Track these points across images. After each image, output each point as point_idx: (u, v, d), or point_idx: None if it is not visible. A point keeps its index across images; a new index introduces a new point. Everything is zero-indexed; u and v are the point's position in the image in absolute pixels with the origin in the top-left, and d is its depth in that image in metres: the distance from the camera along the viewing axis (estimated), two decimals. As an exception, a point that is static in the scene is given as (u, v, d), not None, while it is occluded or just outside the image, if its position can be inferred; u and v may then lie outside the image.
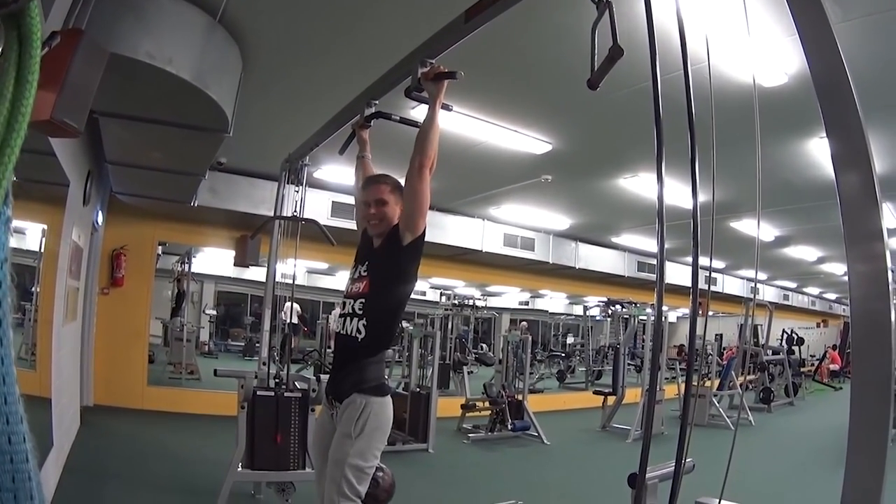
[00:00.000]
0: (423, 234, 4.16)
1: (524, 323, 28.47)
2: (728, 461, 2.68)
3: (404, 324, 14.51)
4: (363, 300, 4.18)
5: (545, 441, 11.98)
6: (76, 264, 8.17)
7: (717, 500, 3.06)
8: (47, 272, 6.76)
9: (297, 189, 7.24)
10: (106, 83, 1.88)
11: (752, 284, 22.75)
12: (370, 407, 4.06)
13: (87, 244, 9.34)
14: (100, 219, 10.72)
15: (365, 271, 4.30)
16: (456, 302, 20.00)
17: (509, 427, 12.13)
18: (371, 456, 4.05)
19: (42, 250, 6.59)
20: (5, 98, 0.99)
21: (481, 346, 23.05)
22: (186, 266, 17.76)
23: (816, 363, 27.17)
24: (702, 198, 2.48)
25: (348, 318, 4.23)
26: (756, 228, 5.46)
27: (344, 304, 4.34)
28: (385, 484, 4.66)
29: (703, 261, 2.57)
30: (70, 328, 8.32)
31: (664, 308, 3.03)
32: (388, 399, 4.22)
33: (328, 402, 4.36)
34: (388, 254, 4.22)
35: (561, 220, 14.32)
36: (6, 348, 0.97)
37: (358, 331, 4.14)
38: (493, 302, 26.50)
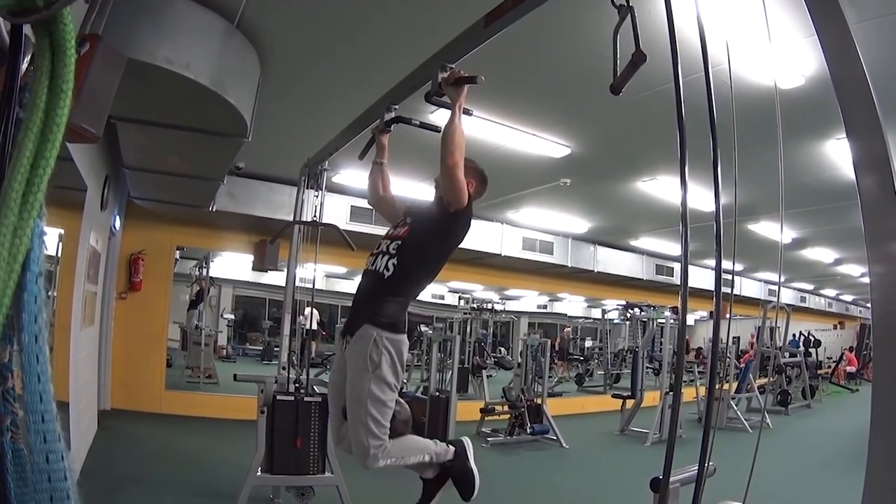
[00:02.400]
0: (469, 206, 4.30)
1: (568, 329, 28.50)
2: (752, 465, 2.66)
3: (423, 328, 14.48)
4: (399, 242, 4.22)
5: (564, 445, 11.92)
6: (94, 269, 8.19)
7: (741, 505, 3.04)
8: (65, 277, 6.78)
9: (316, 194, 7.23)
10: (124, 88, 1.87)
11: (770, 287, 22.62)
12: (382, 340, 4.06)
13: (104, 249, 9.37)
14: (117, 223, 10.74)
15: (409, 220, 4.38)
16: (475, 306, 19.98)
17: (528, 431, 12.08)
18: (388, 388, 4.06)
19: (59, 255, 6.60)
20: (38, 108, 0.98)
21: (500, 350, 22.98)
22: (205, 270, 17.76)
23: (833, 365, 27.03)
24: (721, 200, 2.47)
25: (379, 257, 4.26)
26: (774, 231, 5.47)
27: (379, 244, 4.37)
28: (403, 416, 4.62)
29: (724, 264, 2.55)
30: (88, 332, 8.34)
31: (683, 311, 3.02)
32: (404, 337, 4.21)
33: (341, 340, 4.37)
34: (435, 210, 4.30)
35: (579, 224, 14.30)
36: (43, 365, 0.96)
37: (386, 268, 4.16)
38: (512, 305, 26.49)
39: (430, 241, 4.23)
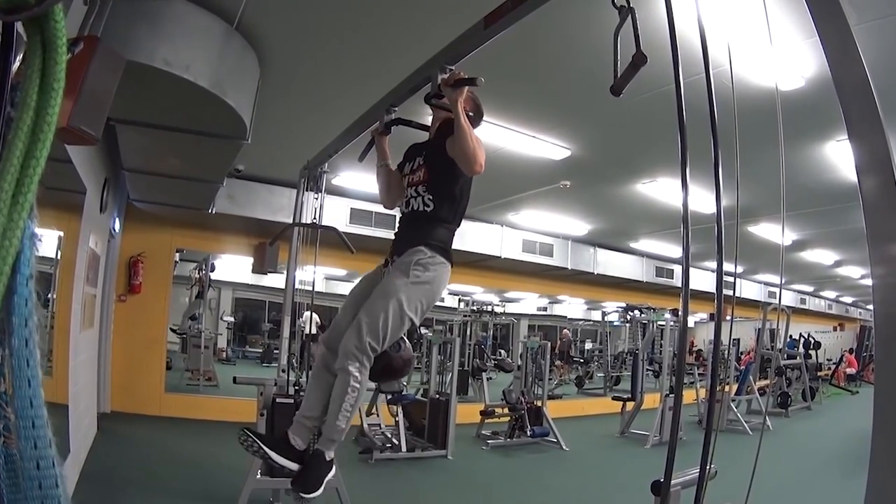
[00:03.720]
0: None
1: (567, 331, 28.48)
2: (753, 467, 2.65)
3: (423, 330, 14.49)
4: (426, 184, 4.16)
5: (564, 447, 11.95)
6: (93, 271, 8.18)
7: (743, 508, 3.04)
8: (64, 279, 6.77)
9: (315, 196, 7.22)
10: (122, 90, 1.87)
11: (770, 289, 22.63)
12: (434, 259, 3.99)
13: (104, 251, 9.36)
14: (117, 226, 10.74)
15: (422, 161, 4.28)
16: (475, 308, 19.99)
17: (528, 433, 12.09)
18: (415, 307, 3.95)
19: (58, 257, 6.59)
20: (29, 107, 0.97)
21: (500, 353, 22.98)
22: (205, 272, 17.75)
23: (833, 367, 27.04)
24: (722, 202, 2.46)
25: (414, 199, 4.19)
26: (774, 232, 5.46)
27: (407, 192, 4.29)
28: (406, 353, 4.52)
29: (725, 266, 2.55)
30: (87, 335, 8.33)
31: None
32: (449, 267, 4.12)
33: (384, 264, 4.27)
34: (448, 164, 4.11)
35: (579, 226, 14.32)
36: (34, 370, 0.95)
37: (426, 204, 4.10)
38: (512, 308, 26.47)
39: (452, 171, 4.14)
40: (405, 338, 4.30)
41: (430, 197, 4.10)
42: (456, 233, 4.20)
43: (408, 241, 4.10)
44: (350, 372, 3.83)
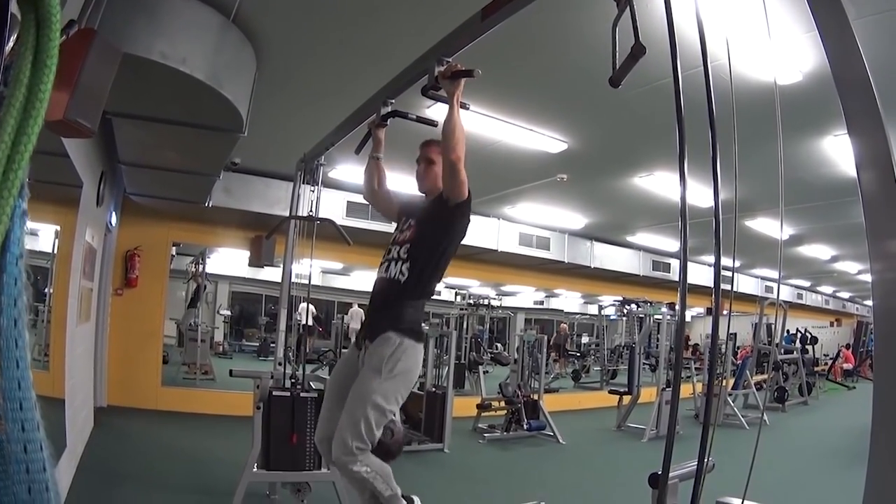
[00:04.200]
0: (469, 197, 4.25)
1: (564, 325, 28.51)
2: (752, 461, 2.65)
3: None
4: (409, 245, 4.24)
5: (561, 441, 11.95)
6: (90, 265, 8.17)
7: (741, 501, 3.04)
8: (60, 273, 6.75)
9: (312, 189, 7.21)
10: (119, 83, 1.86)
11: (767, 284, 22.67)
12: (404, 347, 4.06)
13: (100, 245, 9.35)
14: (113, 220, 10.74)
15: (414, 221, 4.38)
16: (471, 302, 20.02)
17: (525, 427, 12.10)
18: (394, 400, 4.04)
19: (55, 251, 6.58)
20: (21, 83, 0.96)
21: (496, 346, 22.99)
22: (201, 266, 17.74)
23: (830, 362, 27.06)
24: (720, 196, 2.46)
25: (392, 263, 4.27)
26: (771, 227, 5.46)
27: (389, 250, 4.38)
28: (398, 435, 4.62)
29: (723, 260, 2.55)
30: (84, 329, 8.32)
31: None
32: (421, 346, 4.22)
33: (356, 345, 4.36)
34: (436, 208, 4.29)
35: (576, 219, 14.33)
36: (22, 350, 0.94)
37: (401, 273, 4.17)
38: (508, 301, 26.52)
39: (437, 239, 4.24)
40: (394, 418, 4.36)
41: (408, 265, 4.20)
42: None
43: (378, 322, 4.24)
44: (355, 471, 3.98)
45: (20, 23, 0.99)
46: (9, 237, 0.92)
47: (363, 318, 4.63)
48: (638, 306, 18.26)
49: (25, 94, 0.96)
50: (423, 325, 4.36)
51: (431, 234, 4.24)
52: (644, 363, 16.81)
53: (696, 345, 24.13)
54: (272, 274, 16.73)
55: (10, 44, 1.01)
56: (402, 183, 7.42)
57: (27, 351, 0.95)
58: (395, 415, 4.21)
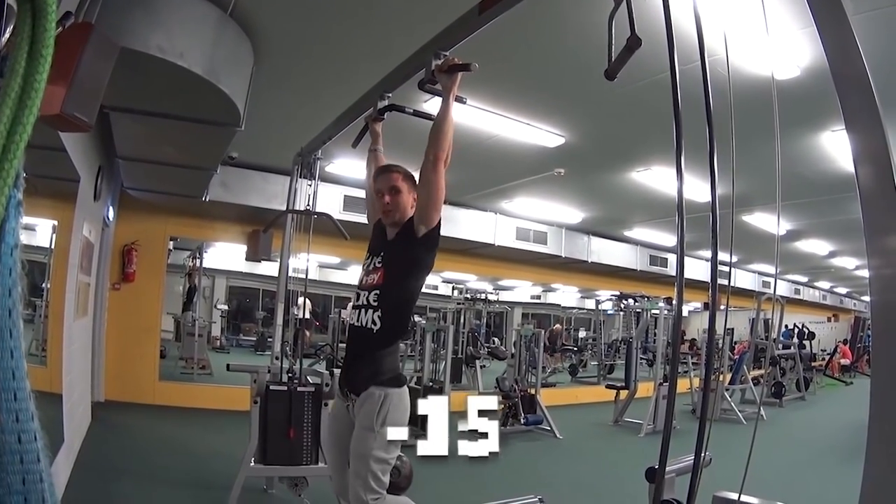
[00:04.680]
0: (439, 226, 4.15)
1: (558, 326, 28.50)
2: (748, 455, 2.65)
3: (417, 318, 14.52)
4: (378, 291, 4.17)
5: (558, 435, 11.95)
6: (87, 260, 8.16)
7: (737, 495, 3.04)
8: (58, 268, 6.75)
9: (309, 183, 7.22)
10: (116, 77, 1.85)
11: (764, 279, 22.69)
12: (389, 399, 4.06)
13: (97, 240, 9.34)
14: (111, 214, 10.72)
15: (380, 262, 4.28)
16: (468, 296, 20.01)
17: (522, 421, 12.09)
18: (393, 448, 4.07)
19: (52, 246, 6.58)
20: (17, 73, 0.96)
21: (493, 340, 22.99)
22: (198, 261, 17.74)
23: (827, 358, 27.08)
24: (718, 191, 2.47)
25: (363, 310, 4.21)
26: (768, 222, 5.47)
27: (358, 295, 4.33)
28: (405, 471, 4.69)
29: (720, 255, 2.55)
30: (81, 324, 8.32)
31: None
32: (406, 389, 4.21)
33: (342, 394, 4.35)
34: (403, 245, 4.21)
35: (573, 214, 14.31)
36: (16, 340, 0.93)
37: (373, 322, 4.12)
38: (505, 296, 26.49)
39: (405, 281, 4.22)
40: (400, 456, 4.43)
41: (379, 313, 4.16)
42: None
43: (357, 374, 4.25)
44: None
45: (16, 13, 0.99)
46: (3, 227, 0.92)
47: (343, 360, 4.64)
48: (635, 301, 18.26)
49: (21, 83, 0.96)
50: (399, 369, 4.38)
51: (399, 276, 4.21)
52: (641, 358, 16.78)
53: (694, 340, 24.13)
54: (269, 268, 16.75)
55: (7, 35, 1.01)
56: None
57: (21, 341, 0.94)
58: (399, 453, 4.25)
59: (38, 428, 0.96)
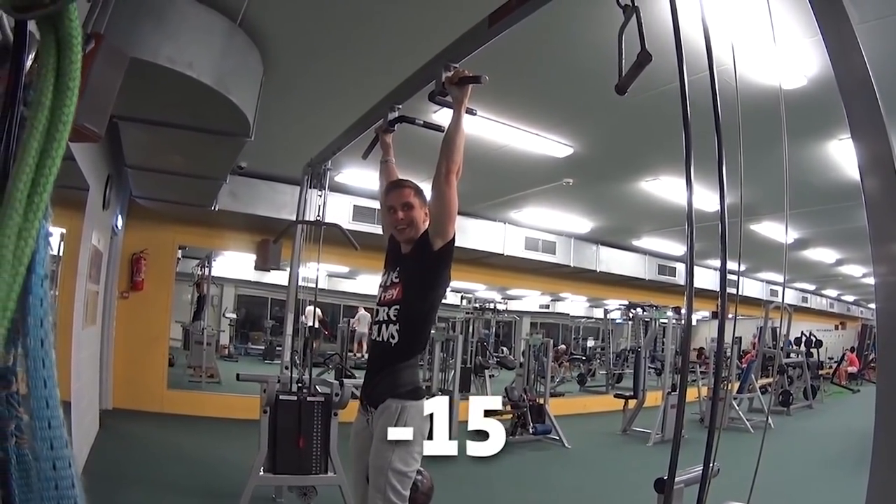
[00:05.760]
0: (454, 239, 4.15)
1: (563, 346, 28.48)
2: (756, 465, 2.66)
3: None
4: (397, 307, 4.18)
5: (566, 445, 11.92)
6: (96, 268, 8.19)
7: (746, 506, 3.04)
8: (66, 276, 6.77)
9: (319, 193, 7.23)
10: (125, 87, 1.87)
11: (772, 287, 22.66)
12: (406, 412, 4.06)
13: (106, 248, 9.37)
14: (119, 223, 10.74)
15: (397, 278, 4.29)
16: (477, 305, 20.00)
17: (530, 430, 12.08)
18: (412, 460, 4.05)
19: (61, 254, 6.60)
20: (44, 106, 0.96)
21: (502, 350, 22.98)
22: (207, 270, 17.77)
23: (835, 366, 27.02)
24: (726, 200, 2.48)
25: (383, 325, 4.22)
26: (776, 231, 5.46)
27: (377, 311, 4.34)
28: (424, 487, 4.68)
29: (729, 264, 2.56)
30: (89, 332, 8.34)
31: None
32: (424, 402, 4.18)
33: (363, 408, 4.35)
34: (418, 260, 4.20)
35: (582, 224, 14.31)
36: (49, 370, 0.95)
37: (392, 336, 4.13)
38: (514, 305, 26.46)
39: (425, 293, 4.21)
40: (420, 470, 4.40)
41: (398, 327, 4.16)
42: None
43: (376, 387, 4.24)
44: None
45: (39, 42, 1.00)
46: (34, 259, 0.93)
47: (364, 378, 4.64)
48: (644, 310, 18.26)
49: (48, 116, 0.97)
50: (419, 382, 4.36)
51: (418, 290, 4.21)
52: (650, 367, 16.78)
53: (702, 349, 24.11)
54: (278, 277, 16.75)
55: (29, 62, 1.02)
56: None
57: (54, 370, 0.96)
58: (419, 466, 4.24)
59: (71, 455, 0.97)
